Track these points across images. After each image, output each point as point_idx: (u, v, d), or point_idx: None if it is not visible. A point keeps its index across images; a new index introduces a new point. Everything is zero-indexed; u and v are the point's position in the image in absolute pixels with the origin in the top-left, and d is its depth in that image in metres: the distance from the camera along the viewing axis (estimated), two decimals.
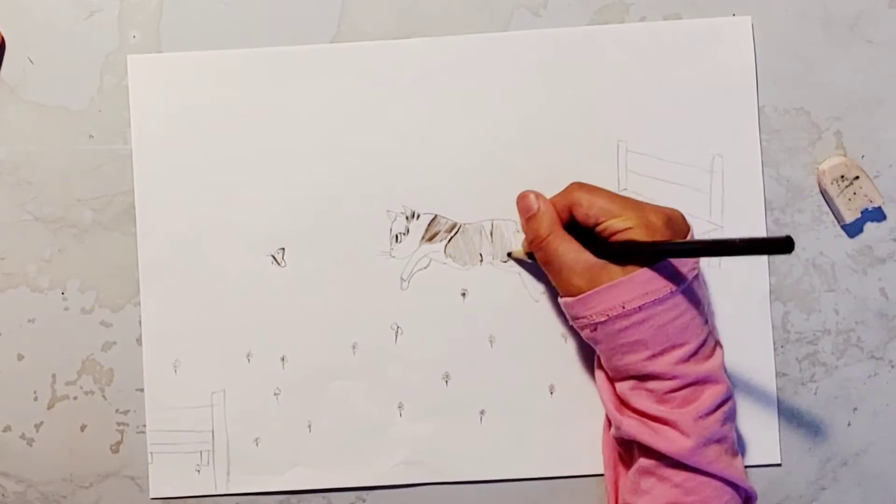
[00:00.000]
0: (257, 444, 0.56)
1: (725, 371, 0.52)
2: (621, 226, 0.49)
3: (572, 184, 0.52)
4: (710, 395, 0.49)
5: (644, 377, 0.49)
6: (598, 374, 0.53)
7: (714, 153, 0.56)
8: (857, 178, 0.55)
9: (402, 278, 0.56)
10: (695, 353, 0.49)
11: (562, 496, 0.56)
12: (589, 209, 0.50)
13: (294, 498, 0.57)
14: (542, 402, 0.56)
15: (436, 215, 0.56)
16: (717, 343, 0.51)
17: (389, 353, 0.56)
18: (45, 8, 0.57)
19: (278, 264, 0.56)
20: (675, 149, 0.56)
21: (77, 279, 0.57)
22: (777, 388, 0.56)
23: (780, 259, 0.56)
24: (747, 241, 0.44)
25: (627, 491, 0.52)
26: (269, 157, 0.56)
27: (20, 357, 0.57)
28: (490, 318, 0.56)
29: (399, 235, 0.56)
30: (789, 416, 0.56)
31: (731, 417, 0.50)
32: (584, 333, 0.51)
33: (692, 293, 0.49)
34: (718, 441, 0.49)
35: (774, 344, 0.56)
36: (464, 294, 0.56)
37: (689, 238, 0.50)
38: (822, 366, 0.57)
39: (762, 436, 0.56)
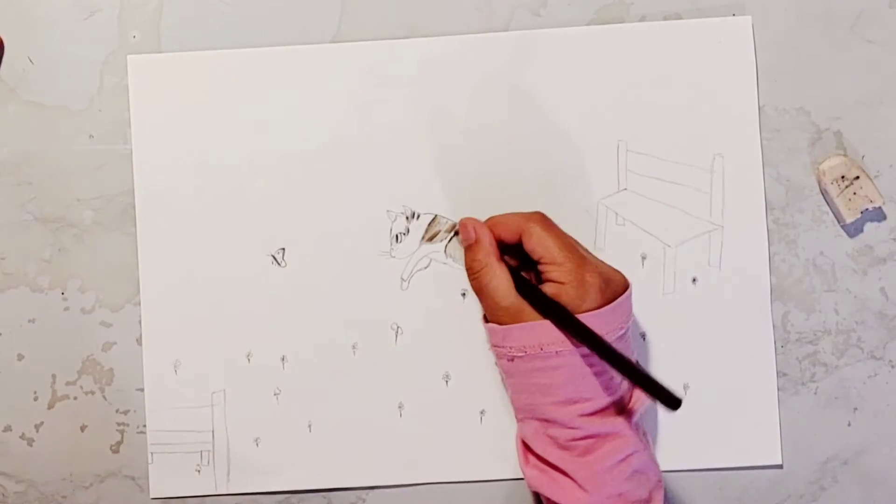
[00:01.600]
0: (257, 444, 0.56)
1: (640, 426, 0.52)
2: (556, 277, 0.49)
3: (536, 213, 0.52)
4: (612, 448, 0.49)
5: (547, 421, 0.50)
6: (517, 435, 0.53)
7: (714, 153, 0.56)
8: (858, 178, 0.55)
9: (402, 278, 0.56)
10: (602, 409, 0.49)
11: None
12: (536, 246, 0.51)
13: (294, 498, 0.57)
14: None
15: (436, 215, 0.56)
16: (632, 403, 0.51)
17: (389, 353, 0.56)
18: (45, 8, 0.57)
19: (278, 264, 0.56)
20: (675, 148, 0.56)
21: (77, 279, 0.57)
22: (777, 388, 0.56)
23: (780, 259, 0.56)
24: (643, 373, 0.46)
25: None
26: (269, 157, 0.56)
27: (20, 357, 0.57)
28: None
29: (399, 235, 0.56)
30: (789, 416, 0.56)
31: (639, 472, 0.50)
32: (501, 363, 0.52)
33: (618, 349, 0.48)
34: (620, 495, 0.49)
35: (774, 344, 0.56)
36: (464, 294, 0.56)
37: (623, 298, 0.50)
38: (822, 366, 0.57)
39: (762, 436, 0.56)
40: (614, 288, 0.50)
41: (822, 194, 0.56)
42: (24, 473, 0.57)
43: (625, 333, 0.50)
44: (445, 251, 0.56)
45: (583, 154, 0.56)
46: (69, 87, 0.56)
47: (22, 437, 0.56)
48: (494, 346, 0.52)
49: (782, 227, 0.56)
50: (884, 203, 0.56)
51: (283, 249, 0.56)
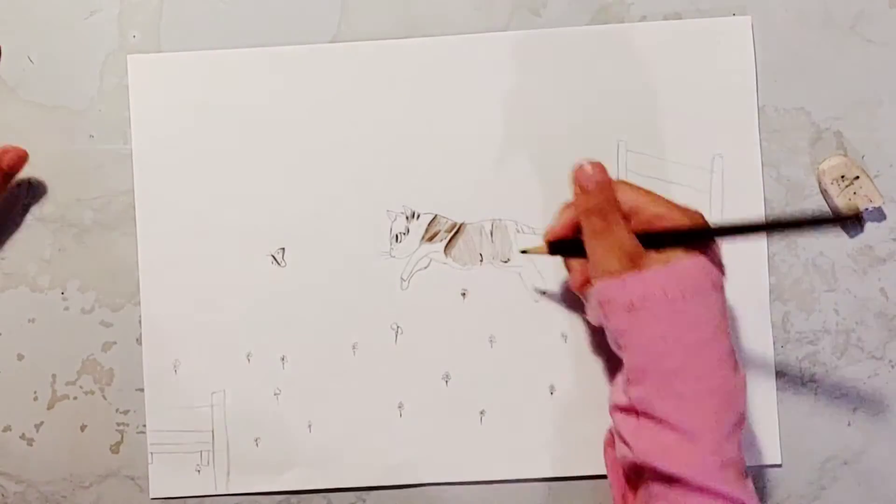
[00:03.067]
0: (257, 444, 0.56)
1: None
2: (664, 212, 0.48)
3: (622, 184, 0.50)
4: (735, 413, 0.47)
5: (670, 374, 0.46)
6: (614, 413, 0.50)
7: (714, 153, 0.56)
8: (858, 177, 0.55)
9: (402, 278, 0.56)
10: (727, 356, 0.47)
11: (561, 496, 0.56)
12: (634, 194, 0.49)
13: (294, 498, 0.57)
14: (542, 402, 0.56)
15: (436, 215, 0.56)
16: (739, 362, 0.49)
17: (389, 353, 0.56)
18: (45, 8, 0.57)
19: (278, 264, 0.56)
20: (675, 149, 0.56)
21: (77, 279, 0.57)
22: (777, 388, 0.56)
23: (780, 259, 0.56)
24: (799, 220, 0.45)
25: None
26: (269, 157, 0.56)
27: (20, 357, 0.57)
28: (490, 318, 0.56)
29: (399, 235, 0.56)
30: (789, 416, 0.56)
31: (742, 442, 0.47)
32: (613, 322, 0.48)
33: (724, 296, 0.48)
34: (735, 464, 0.46)
35: (774, 344, 0.56)
36: (464, 294, 0.56)
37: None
38: (822, 366, 0.57)
39: (762, 436, 0.56)
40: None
41: (822, 194, 0.56)
42: (24, 473, 0.57)
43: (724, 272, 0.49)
44: (445, 251, 0.56)
45: (583, 154, 0.56)
46: (69, 87, 0.56)
47: (22, 437, 0.57)
48: (606, 303, 0.48)
49: None
50: (884, 203, 0.56)
51: (283, 249, 0.56)
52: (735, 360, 0.48)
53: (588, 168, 0.50)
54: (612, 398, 0.50)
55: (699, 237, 0.48)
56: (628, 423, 0.48)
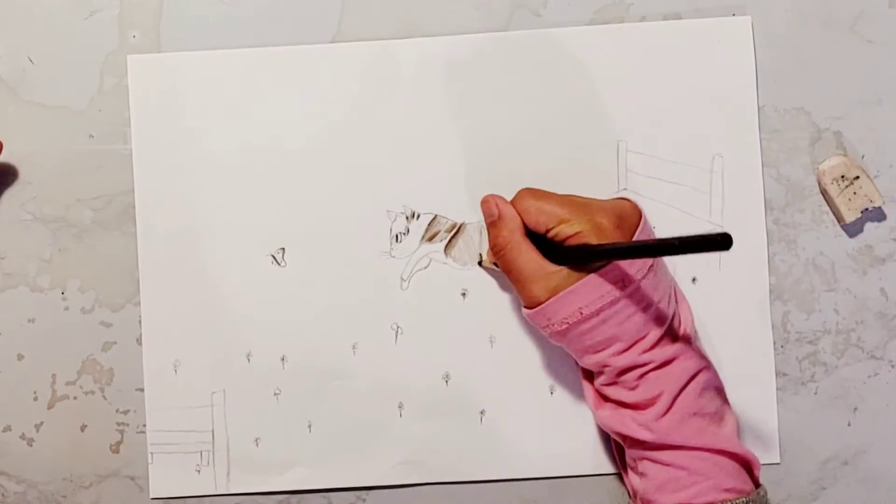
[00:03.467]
0: (257, 444, 0.56)
1: (697, 341, 0.53)
2: (570, 231, 0.49)
3: (521, 190, 0.52)
4: (679, 370, 0.50)
5: (615, 371, 0.50)
6: (582, 378, 0.54)
7: (714, 153, 0.56)
8: (858, 177, 0.55)
9: (402, 278, 0.56)
10: (659, 340, 0.50)
11: (562, 496, 0.56)
12: (538, 216, 0.50)
13: (294, 498, 0.57)
14: (542, 402, 0.56)
15: (436, 215, 0.56)
16: (682, 319, 0.52)
17: (389, 353, 0.56)
18: (45, 8, 0.57)
19: (278, 264, 0.56)
20: (675, 149, 0.56)
21: (77, 279, 0.57)
22: (777, 388, 0.56)
23: (780, 259, 0.56)
24: (684, 239, 0.44)
25: (631, 475, 0.53)
26: (269, 157, 0.56)
27: (20, 357, 0.57)
28: (490, 318, 0.56)
29: (399, 235, 0.56)
30: (789, 416, 0.56)
31: (708, 387, 0.51)
32: (552, 340, 0.52)
33: (649, 284, 0.49)
34: (695, 414, 0.50)
35: (774, 344, 0.56)
36: (464, 294, 0.56)
37: (641, 224, 0.50)
38: (822, 366, 0.57)
39: (762, 436, 0.56)
40: (629, 222, 0.50)
41: (822, 194, 0.56)
42: (24, 473, 0.56)
43: (653, 264, 0.50)
44: (445, 251, 0.56)
45: (583, 154, 0.56)
46: (69, 87, 0.56)
47: (22, 437, 0.56)
48: (541, 328, 0.51)
49: (782, 226, 0.56)
50: (884, 203, 0.56)
51: (283, 249, 0.56)
52: (678, 323, 0.51)
53: (489, 203, 0.53)
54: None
55: (587, 258, 0.49)
56: (591, 396, 0.54)
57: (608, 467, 0.56)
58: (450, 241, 0.56)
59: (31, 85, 0.56)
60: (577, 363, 0.54)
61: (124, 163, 0.56)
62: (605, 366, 0.50)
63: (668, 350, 0.50)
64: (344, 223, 0.56)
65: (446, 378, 0.56)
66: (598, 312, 0.49)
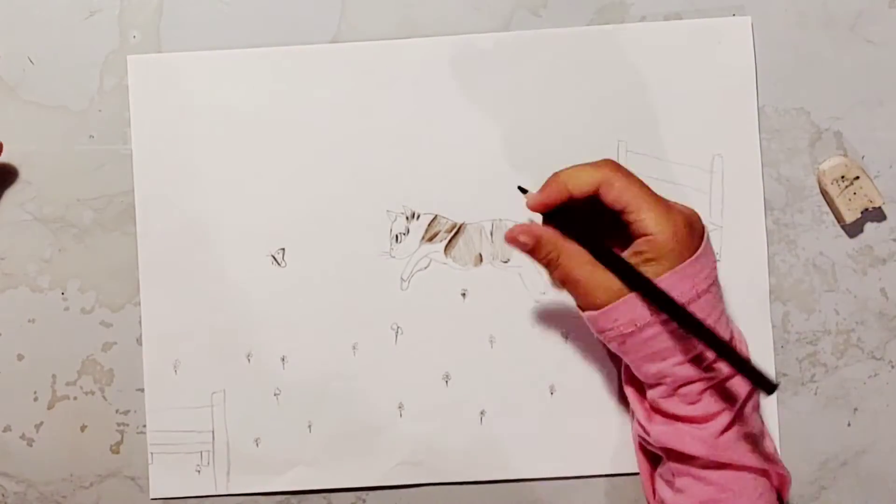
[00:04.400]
0: (257, 444, 0.56)
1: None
2: (647, 227, 0.47)
3: (606, 160, 0.49)
4: (740, 384, 0.48)
5: (676, 383, 0.48)
6: (627, 388, 0.53)
7: (714, 153, 0.56)
8: (858, 178, 0.55)
9: (402, 278, 0.56)
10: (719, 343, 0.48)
11: (562, 496, 0.56)
12: (620, 194, 0.47)
13: (294, 498, 0.57)
14: (542, 402, 0.56)
15: (436, 215, 0.56)
16: (738, 337, 0.51)
17: (389, 353, 0.56)
18: (45, 8, 0.57)
19: (278, 264, 0.56)
20: (674, 149, 0.56)
21: (77, 279, 0.57)
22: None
23: (780, 259, 0.56)
24: (738, 356, 0.45)
25: (663, 488, 0.51)
26: (268, 157, 0.56)
27: (20, 357, 0.57)
28: (490, 318, 0.56)
29: (399, 236, 0.56)
30: (789, 416, 0.56)
31: (757, 405, 0.50)
32: (613, 346, 0.49)
33: (713, 297, 0.48)
34: (749, 432, 0.49)
35: (774, 344, 0.56)
36: (464, 294, 0.56)
37: (705, 241, 0.49)
38: (822, 366, 0.57)
39: None
40: (697, 230, 0.48)
41: (822, 194, 0.56)
42: (24, 473, 0.57)
43: (715, 280, 0.49)
44: (445, 251, 0.56)
45: (583, 154, 0.56)
46: (69, 87, 0.56)
47: (22, 437, 0.57)
48: (601, 331, 0.49)
49: (782, 227, 0.56)
50: (884, 203, 0.56)
51: (283, 249, 0.56)
52: (735, 339, 0.50)
53: (518, 238, 0.50)
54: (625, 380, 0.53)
55: (639, 288, 0.47)
56: (641, 409, 0.51)
57: (608, 468, 0.56)
58: (450, 241, 0.56)
59: (31, 85, 0.56)
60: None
61: (124, 163, 0.56)
62: (666, 376, 0.48)
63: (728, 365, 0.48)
64: (344, 223, 0.56)
65: (446, 378, 0.56)
66: (650, 325, 0.47)
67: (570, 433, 0.56)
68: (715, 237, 0.56)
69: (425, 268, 0.56)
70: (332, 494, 0.57)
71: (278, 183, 0.56)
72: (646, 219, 0.47)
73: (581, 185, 0.48)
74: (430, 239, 0.56)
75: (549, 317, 0.56)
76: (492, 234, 0.56)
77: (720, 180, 0.56)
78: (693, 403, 0.48)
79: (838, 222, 0.56)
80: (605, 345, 0.51)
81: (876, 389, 0.57)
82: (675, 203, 0.49)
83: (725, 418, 0.48)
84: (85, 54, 0.56)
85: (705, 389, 0.48)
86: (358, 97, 0.56)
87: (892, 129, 0.56)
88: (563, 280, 0.49)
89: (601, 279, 0.48)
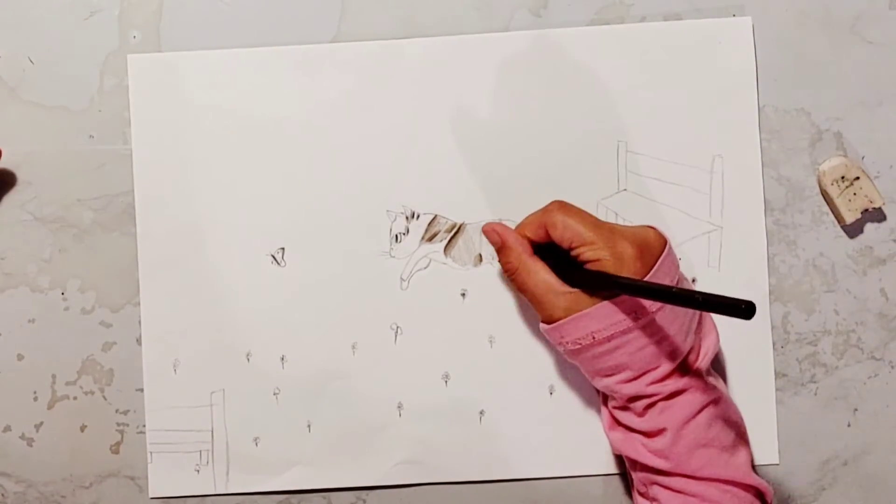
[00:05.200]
0: (257, 444, 0.56)
1: (711, 374, 0.52)
2: (591, 256, 0.49)
3: (553, 202, 0.52)
4: (686, 402, 0.49)
5: (625, 397, 0.50)
6: (599, 395, 0.55)
7: (714, 154, 0.56)
8: (858, 178, 0.55)
9: (401, 278, 0.56)
10: (670, 373, 0.49)
11: (561, 496, 0.56)
12: (563, 232, 0.50)
13: (294, 498, 0.57)
14: (542, 402, 0.56)
15: (436, 215, 0.56)
16: (703, 352, 0.51)
17: (389, 353, 0.56)
18: (45, 8, 0.57)
19: (278, 264, 0.56)
20: (675, 149, 0.56)
21: (77, 279, 0.57)
22: (777, 389, 0.56)
23: (780, 259, 0.56)
24: (706, 295, 0.44)
25: (640, 495, 0.53)
26: (268, 157, 0.56)
27: (20, 357, 0.57)
28: (490, 318, 0.56)
29: (399, 235, 0.56)
30: (789, 416, 0.56)
31: (718, 420, 0.50)
32: (566, 357, 0.52)
33: (665, 317, 0.49)
34: (705, 445, 0.50)
35: (774, 344, 0.56)
36: (464, 294, 0.56)
37: (664, 256, 0.50)
38: (821, 366, 0.57)
39: (762, 436, 0.56)
40: (652, 251, 0.50)
41: (822, 195, 0.56)
42: (24, 473, 0.57)
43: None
44: (445, 251, 0.56)
45: (583, 154, 0.56)
46: (69, 87, 0.56)
47: (22, 437, 0.57)
48: (555, 344, 0.52)
49: (782, 227, 0.56)
50: (884, 204, 0.56)
51: (283, 249, 0.56)
52: (694, 356, 0.51)
53: (492, 234, 0.53)
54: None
55: (604, 287, 0.48)
56: (606, 417, 0.54)
57: (608, 468, 0.56)
58: (449, 241, 0.56)
59: (31, 85, 0.56)
60: None
61: (124, 163, 0.56)
62: (614, 390, 0.50)
63: (678, 383, 0.49)
64: (344, 223, 0.56)
65: (446, 378, 0.56)
66: (609, 339, 0.49)
67: (569, 433, 0.56)
68: (715, 238, 0.56)
69: (425, 268, 0.56)
70: (332, 494, 0.57)
71: (278, 183, 0.56)
72: (587, 251, 0.49)
73: (533, 230, 0.52)
74: (430, 239, 0.56)
75: None
76: None
77: (720, 180, 0.56)
78: (640, 416, 0.50)
79: (838, 223, 0.56)
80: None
81: (876, 389, 0.57)
82: (626, 227, 0.51)
83: (670, 434, 0.49)
84: (85, 54, 0.56)
85: (649, 406, 0.50)
86: (358, 97, 0.56)
87: (892, 129, 0.56)
88: (520, 291, 0.52)
89: (553, 296, 0.50)
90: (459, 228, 0.56)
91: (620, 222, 0.56)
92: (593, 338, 0.49)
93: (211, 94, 0.56)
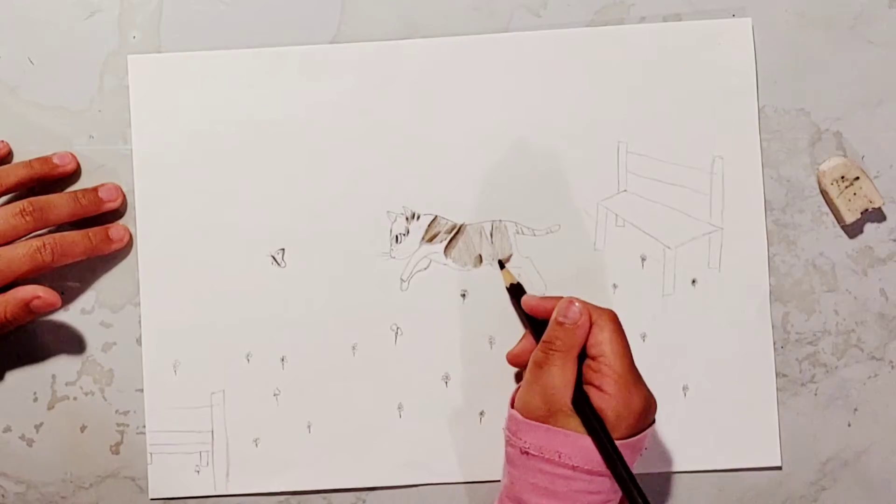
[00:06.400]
0: (257, 445, 0.56)
1: None
2: (604, 385, 0.47)
3: (611, 311, 0.50)
4: None
5: None
6: None
7: (714, 154, 0.56)
8: (858, 178, 0.55)
9: (402, 279, 0.56)
10: None
11: None
12: (605, 342, 0.48)
13: (294, 498, 0.57)
14: None
15: (436, 216, 0.56)
16: None
17: (389, 353, 0.56)
18: (45, 8, 0.57)
19: (278, 264, 0.56)
20: (675, 150, 0.56)
21: (77, 279, 0.56)
22: (777, 389, 0.56)
23: (780, 259, 0.56)
24: None
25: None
26: (268, 157, 0.56)
27: (20, 357, 0.57)
28: (490, 318, 0.56)
29: (399, 236, 0.56)
30: (789, 416, 0.56)
31: None
32: (509, 451, 0.50)
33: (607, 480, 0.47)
34: None
35: (774, 344, 0.56)
36: (463, 295, 0.56)
37: (646, 433, 0.49)
38: (822, 366, 0.57)
39: (762, 437, 0.56)
40: (648, 418, 0.49)
41: (822, 195, 0.56)
42: (24, 474, 0.57)
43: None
44: (445, 252, 0.56)
45: (583, 155, 0.56)
46: (69, 87, 0.56)
47: (22, 437, 0.57)
48: (512, 434, 0.49)
49: (782, 227, 0.56)
50: (884, 204, 0.56)
51: (283, 249, 0.56)
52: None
53: (575, 308, 0.49)
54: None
55: (599, 440, 0.47)
56: None
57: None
58: (450, 242, 0.56)
59: (31, 85, 0.56)
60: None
61: (124, 163, 0.56)
62: None
63: None
64: (344, 224, 0.56)
65: (446, 378, 0.56)
66: (573, 468, 0.47)
67: None
68: (715, 238, 0.56)
69: (425, 268, 0.56)
70: (332, 494, 0.57)
71: (278, 183, 0.56)
72: (604, 375, 0.48)
73: (583, 320, 0.49)
74: (430, 240, 0.56)
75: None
76: (491, 235, 0.56)
77: (720, 181, 0.56)
78: None
79: (838, 223, 0.56)
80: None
81: (876, 390, 0.57)
82: (645, 390, 0.49)
83: None
84: (85, 54, 0.56)
85: None
86: (358, 97, 0.56)
87: (892, 129, 0.56)
88: (535, 364, 0.50)
89: (556, 398, 0.48)
90: (460, 229, 0.56)
91: (620, 223, 0.56)
92: (558, 456, 0.47)
93: (211, 95, 0.56)
